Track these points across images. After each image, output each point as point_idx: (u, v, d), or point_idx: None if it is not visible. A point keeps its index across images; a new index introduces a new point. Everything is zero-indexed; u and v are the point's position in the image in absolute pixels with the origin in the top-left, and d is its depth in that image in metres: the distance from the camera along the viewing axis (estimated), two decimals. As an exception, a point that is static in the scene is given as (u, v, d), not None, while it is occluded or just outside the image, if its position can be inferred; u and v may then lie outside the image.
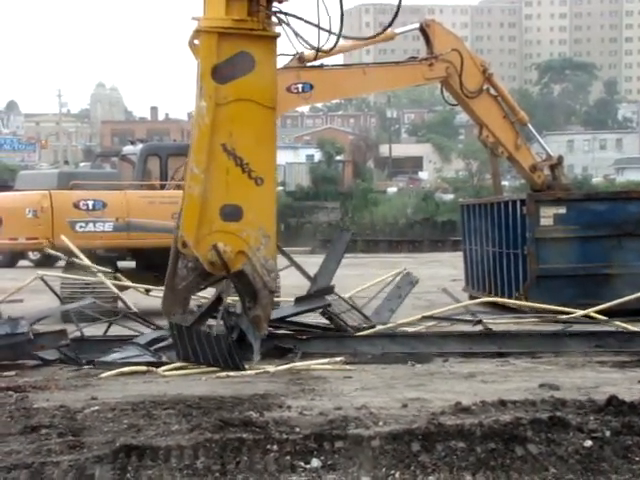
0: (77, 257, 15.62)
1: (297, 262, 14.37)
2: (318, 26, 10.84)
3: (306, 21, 10.80)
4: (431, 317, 14.61)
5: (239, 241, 10.90)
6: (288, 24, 10.96)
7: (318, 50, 11.21)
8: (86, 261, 15.59)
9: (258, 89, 11.00)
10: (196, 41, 11.05)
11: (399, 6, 11.41)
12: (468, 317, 14.37)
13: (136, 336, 12.30)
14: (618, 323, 13.95)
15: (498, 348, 12.29)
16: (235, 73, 10.91)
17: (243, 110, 10.95)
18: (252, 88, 10.97)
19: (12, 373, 10.66)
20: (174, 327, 10.79)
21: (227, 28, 10.88)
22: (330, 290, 13.53)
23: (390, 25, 12.92)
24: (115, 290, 15.04)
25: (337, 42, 11.40)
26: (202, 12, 11.18)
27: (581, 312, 14.70)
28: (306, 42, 11.07)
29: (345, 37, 12.10)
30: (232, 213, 10.87)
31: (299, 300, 13.43)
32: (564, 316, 14.72)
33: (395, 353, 11.94)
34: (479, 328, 13.34)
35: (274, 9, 11.06)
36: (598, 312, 14.75)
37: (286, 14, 11.01)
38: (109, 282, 15.20)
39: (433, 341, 12.55)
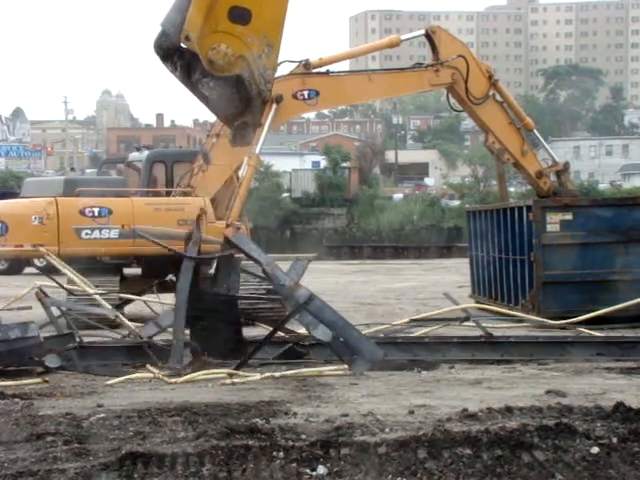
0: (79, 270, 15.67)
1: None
2: None
3: None
4: (420, 320, 14.81)
5: (241, 45, 10.57)
6: None
7: None
8: (71, 275, 15.61)
9: None
10: None
11: None
12: (465, 322, 14.44)
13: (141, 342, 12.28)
14: (587, 331, 14.09)
15: (500, 355, 12.30)
16: None
17: None
18: None
19: (38, 380, 10.65)
20: None
21: None
22: None
23: None
24: (104, 303, 14.99)
25: None
26: None
27: (556, 322, 14.92)
28: None
29: None
30: (240, 16, 10.52)
31: None
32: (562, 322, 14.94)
33: (397, 359, 11.95)
34: (480, 333, 13.33)
35: None
36: (596, 318, 14.85)
37: None
38: (98, 296, 15.16)
39: (436, 348, 12.57)
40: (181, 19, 10.37)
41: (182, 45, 10.48)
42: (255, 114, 10.96)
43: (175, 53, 10.53)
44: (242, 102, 10.80)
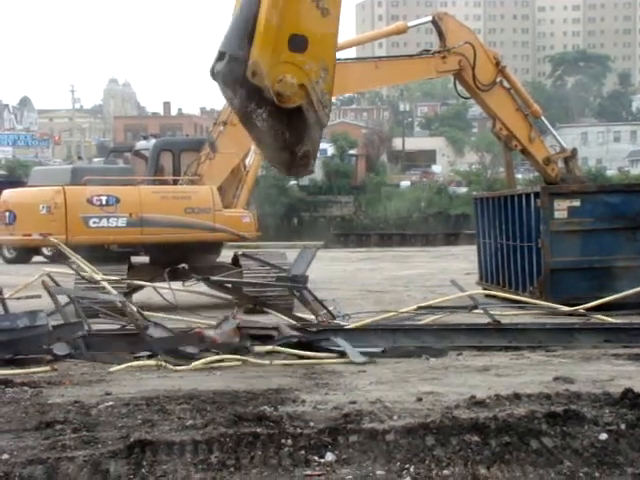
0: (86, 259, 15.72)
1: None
2: None
3: None
4: (428, 307, 14.86)
5: (301, 73, 10.40)
6: None
7: None
8: (80, 262, 15.64)
9: None
10: None
11: None
12: (471, 308, 14.48)
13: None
14: (604, 317, 14.08)
15: (508, 342, 12.30)
16: None
17: None
18: None
19: (46, 368, 10.67)
20: None
21: None
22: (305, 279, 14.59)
23: None
24: (112, 290, 15.04)
25: None
26: None
27: (567, 309, 14.94)
28: None
29: None
30: (298, 43, 10.35)
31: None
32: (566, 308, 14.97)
33: (406, 346, 11.97)
34: (487, 321, 13.34)
35: None
36: (599, 306, 14.86)
37: None
38: (107, 283, 15.21)
39: (444, 335, 12.56)
40: (247, 43, 10.15)
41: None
42: (315, 142, 10.76)
43: (238, 80, 10.25)
44: (299, 132, 10.60)
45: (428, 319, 14.38)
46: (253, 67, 10.12)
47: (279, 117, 10.41)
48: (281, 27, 10.22)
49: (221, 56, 10.25)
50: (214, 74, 10.35)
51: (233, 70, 10.22)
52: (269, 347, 11.47)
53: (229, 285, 16.18)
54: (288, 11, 10.22)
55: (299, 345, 11.65)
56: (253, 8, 10.19)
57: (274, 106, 10.30)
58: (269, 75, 10.18)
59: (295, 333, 12.04)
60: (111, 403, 8.20)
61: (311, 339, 11.98)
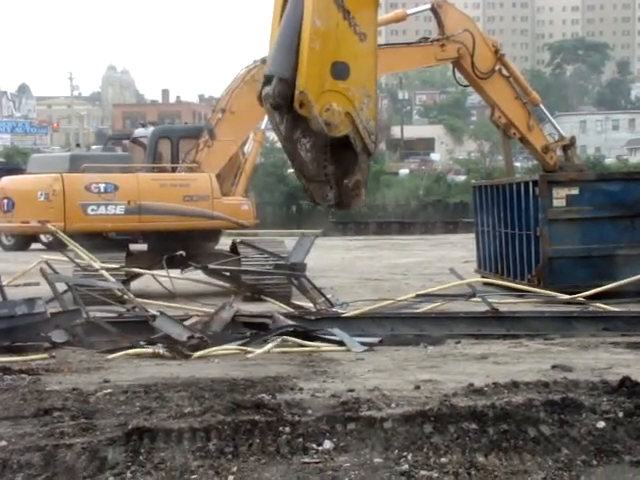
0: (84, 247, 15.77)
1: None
2: None
3: None
4: (426, 295, 14.90)
5: (346, 101, 10.32)
6: None
7: None
8: (79, 250, 15.66)
9: None
10: None
11: None
12: (469, 296, 14.50)
13: (150, 316, 12.30)
14: (603, 306, 14.11)
15: (506, 330, 12.31)
16: None
17: None
18: None
19: (44, 355, 10.68)
20: None
21: None
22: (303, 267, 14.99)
23: None
24: (110, 277, 15.06)
25: None
26: None
27: (566, 297, 14.96)
28: None
29: None
30: (341, 71, 10.29)
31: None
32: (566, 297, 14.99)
33: (404, 334, 11.99)
34: (486, 309, 13.35)
35: None
36: (598, 294, 14.88)
37: None
38: (105, 272, 15.22)
39: (442, 322, 12.58)
40: (293, 64, 9.99)
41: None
42: (364, 170, 10.62)
43: (286, 104, 10.07)
44: (346, 162, 10.46)
45: (426, 307, 14.39)
46: (301, 97, 9.99)
47: (323, 148, 10.30)
48: (323, 55, 10.12)
49: (268, 80, 10.12)
50: (262, 98, 10.22)
51: (281, 92, 10.04)
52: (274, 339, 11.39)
53: (227, 273, 16.20)
54: (328, 39, 10.13)
55: (295, 334, 11.67)
56: (296, 27, 10.06)
57: (318, 136, 10.18)
58: (316, 104, 10.06)
59: (290, 322, 12.02)
60: (109, 390, 8.20)
61: (308, 328, 11.98)
